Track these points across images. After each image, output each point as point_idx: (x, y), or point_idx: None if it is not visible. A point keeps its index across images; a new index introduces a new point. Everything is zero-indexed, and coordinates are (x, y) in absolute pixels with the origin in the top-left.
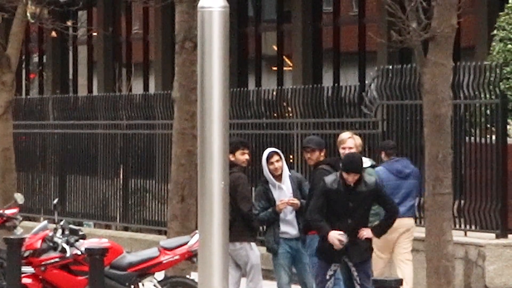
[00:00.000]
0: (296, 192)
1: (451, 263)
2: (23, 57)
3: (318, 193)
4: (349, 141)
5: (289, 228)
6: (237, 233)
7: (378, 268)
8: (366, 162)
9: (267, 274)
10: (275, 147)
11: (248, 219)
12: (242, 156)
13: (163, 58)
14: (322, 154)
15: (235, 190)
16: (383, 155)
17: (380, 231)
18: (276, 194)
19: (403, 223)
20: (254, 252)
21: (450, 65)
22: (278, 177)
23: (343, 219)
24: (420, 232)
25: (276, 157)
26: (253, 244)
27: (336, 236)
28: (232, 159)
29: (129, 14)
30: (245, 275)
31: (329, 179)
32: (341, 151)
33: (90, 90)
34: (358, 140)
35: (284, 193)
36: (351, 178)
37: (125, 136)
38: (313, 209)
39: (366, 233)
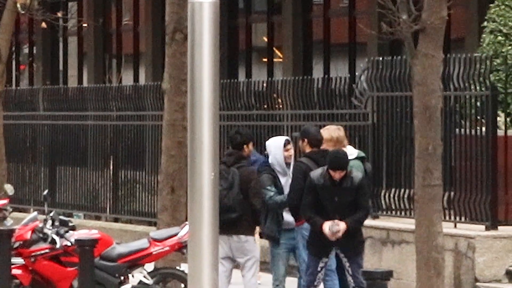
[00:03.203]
0: None
1: (441, 255)
2: (13, 48)
3: (306, 190)
4: (323, 132)
5: (291, 218)
6: (245, 226)
7: None
8: (353, 153)
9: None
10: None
11: (257, 215)
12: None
13: (153, 49)
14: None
15: (247, 184)
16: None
17: (353, 225)
18: (283, 181)
19: None
20: (257, 246)
21: (440, 56)
22: (288, 165)
23: (330, 214)
24: (410, 224)
25: (290, 145)
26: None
27: (327, 231)
28: (246, 150)
29: (120, 5)
30: (238, 268)
31: (315, 174)
32: None
33: (80, 81)
34: (341, 133)
35: (289, 181)
36: (337, 175)
37: (115, 128)
38: (305, 207)
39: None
